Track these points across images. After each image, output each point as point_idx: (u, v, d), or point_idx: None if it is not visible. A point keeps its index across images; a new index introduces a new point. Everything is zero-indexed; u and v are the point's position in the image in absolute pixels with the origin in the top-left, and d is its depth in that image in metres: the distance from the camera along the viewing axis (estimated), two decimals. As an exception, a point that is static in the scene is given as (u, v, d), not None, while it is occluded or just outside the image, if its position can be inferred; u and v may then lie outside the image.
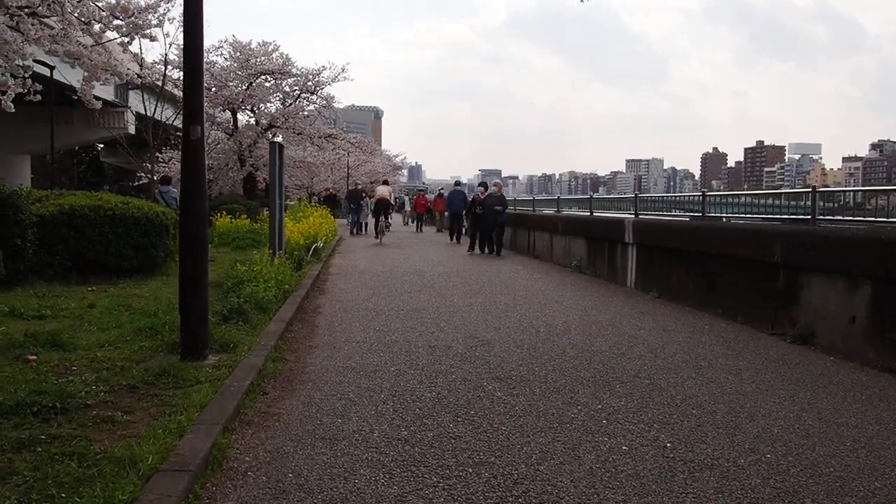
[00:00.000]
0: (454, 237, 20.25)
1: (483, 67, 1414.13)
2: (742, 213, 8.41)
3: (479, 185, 18.44)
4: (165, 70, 15.02)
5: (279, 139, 23.67)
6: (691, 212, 9.57)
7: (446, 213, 22.11)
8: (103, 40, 8.39)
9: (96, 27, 8.15)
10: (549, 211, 16.91)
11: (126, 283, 9.61)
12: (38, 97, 8.49)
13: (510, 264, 14.24)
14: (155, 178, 15.66)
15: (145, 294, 8.65)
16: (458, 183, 22.23)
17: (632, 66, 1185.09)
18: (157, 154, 26.83)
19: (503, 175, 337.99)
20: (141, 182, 28.52)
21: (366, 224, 26.10)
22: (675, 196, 11.98)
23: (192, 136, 5.22)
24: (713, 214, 8.79)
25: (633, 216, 10.88)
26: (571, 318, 7.82)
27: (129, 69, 8.90)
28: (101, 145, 46.42)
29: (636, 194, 11.27)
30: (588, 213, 13.34)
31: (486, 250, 16.25)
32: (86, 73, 8.93)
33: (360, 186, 30.54)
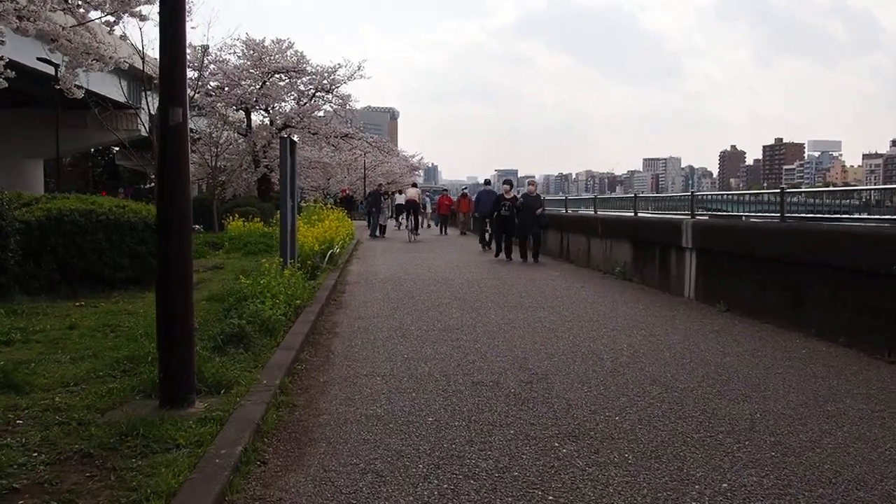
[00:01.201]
0: (488, 245, 17.35)
1: (496, 68, 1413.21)
2: (831, 214, 7.12)
3: (504, 182, 16.75)
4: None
5: (296, 139, 22.54)
6: (763, 212, 8.26)
7: (475, 215, 20.34)
8: (86, 20, 7.27)
9: (80, 8, 7.03)
10: (584, 211, 15.60)
11: (120, 296, 8.55)
12: (6, 84, 7.41)
13: (544, 270, 12.99)
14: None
15: (139, 310, 7.55)
16: (487, 182, 20.50)
17: (646, 65, 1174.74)
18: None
19: (519, 175, 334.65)
20: (152, 185, 27.65)
21: (384, 227, 24.95)
22: (741, 194, 10.63)
23: (171, 120, 4.06)
24: (794, 215, 7.49)
25: (689, 217, 9.58)
26: (635, 339, 6.56)
27: (115, 53, 7.78)
28: (117, 148, 45.82)
29: (692, 192, 9.95)
30: (632, 214, 12.05)
31: (522, 257, 14.61)
32: (65, 59, 7.83)
33: (382, 188, 29.23)
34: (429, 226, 28.93)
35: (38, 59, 18.06)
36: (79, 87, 8.46)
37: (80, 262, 8.74)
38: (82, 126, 32.06)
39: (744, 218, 8.07)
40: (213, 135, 22.97)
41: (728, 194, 11.24)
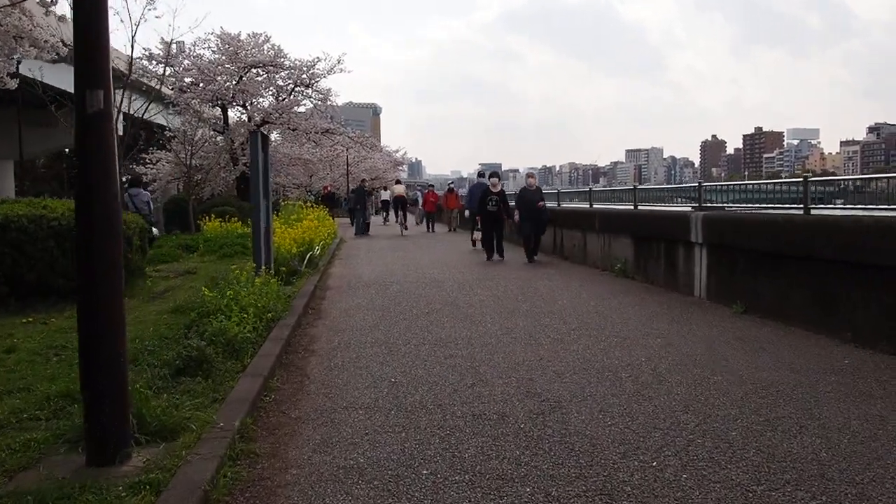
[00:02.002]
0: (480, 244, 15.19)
1: (480, 62, 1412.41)
2: (861, 205, 6.41)
3: (491, 175, 15.51)
4: (133, 54, 13.05)
5: (276, 135, 21.44)
6: (781, 202, 7.54)
7: (466, 213, 18.63)
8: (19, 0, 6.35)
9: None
10: (577, 204, 14.85)
11: (75, 310, 7.65)
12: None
13: (539, 269, 12.22)
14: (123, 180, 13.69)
15: (91, 328, 6.66)
16: (481, 174, 19.23)
17: (627, 58, 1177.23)
18: (143, 155, 24.89)
19: (503, 168, 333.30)
20: (126, 186, 26.51)
21: (368, 224, 24.13)
22: (753, 184, 9.90)
23: (89, 106, 3.22)
24: (820, 206, 6.78)
25: (697, 209, 8.85)
26: (653, 350, 5.80)
27: (52, 36, 6.86)
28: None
29: (699, 183, 9.24)
30: (632, 207, 11.31)
31: (528, 257, 13.46)
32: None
33: (365, 184, 28.30)
34: (417, 222, 28.07)
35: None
36: (12, 77, 7.54)
37: (29, 274, 7.91)
38: (53, 125, 30.68)
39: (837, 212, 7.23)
40: (188, 132, 22.01)
41: (739, 184, 10.50)
